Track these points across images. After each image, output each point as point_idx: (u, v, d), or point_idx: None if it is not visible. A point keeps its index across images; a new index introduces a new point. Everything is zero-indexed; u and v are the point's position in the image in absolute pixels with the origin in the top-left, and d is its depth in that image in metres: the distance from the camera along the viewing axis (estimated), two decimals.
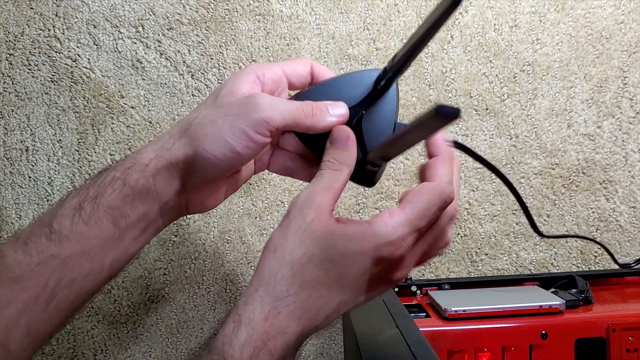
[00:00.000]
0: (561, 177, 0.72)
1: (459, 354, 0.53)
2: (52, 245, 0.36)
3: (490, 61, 0.71)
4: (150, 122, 0.68)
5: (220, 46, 0.69)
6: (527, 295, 0.60)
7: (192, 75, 0.69)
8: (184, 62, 0.68)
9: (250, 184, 0.69)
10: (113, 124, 0.68)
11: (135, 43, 0.68)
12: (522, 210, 0.49)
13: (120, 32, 0.68)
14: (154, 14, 0.68)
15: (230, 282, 0.70)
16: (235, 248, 0.69)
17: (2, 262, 0.36)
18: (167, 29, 0.68)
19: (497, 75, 0.71)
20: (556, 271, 0.71)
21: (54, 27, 0.67)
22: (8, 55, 0.67)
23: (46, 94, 0.67)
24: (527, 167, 0.71)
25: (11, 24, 0.67)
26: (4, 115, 0.67)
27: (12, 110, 0.67)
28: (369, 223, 0.36)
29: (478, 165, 0.71)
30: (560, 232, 0.71)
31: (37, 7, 0.67)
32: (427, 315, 0.57)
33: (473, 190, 0.71)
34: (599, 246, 0.71)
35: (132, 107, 0.68)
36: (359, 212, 0.70)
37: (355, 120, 0.41)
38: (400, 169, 0.70)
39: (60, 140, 0.68)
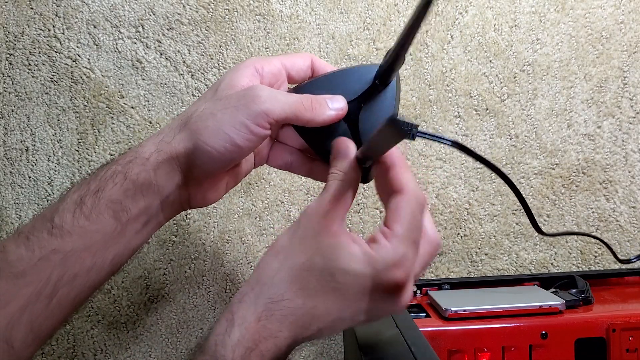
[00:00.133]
0: (561, 177, 0.72)
1: (459, 354, 0.53)
2: (54, 240, 0.36)
3: (490, 61, 0.71)
4: (150, 122, 0.68)
5: (220, 46, 0.69)
6: (527, 295, 0.60)
7: (192, 75, 0.69)
8: (184, 62, 0.69)
9: (250, 184, 0.69)
10: (113, 124, 0.68)
11: (135, 43, 0.68)
12: (523, 209, 0.49)
13: (120, 32, 0.68)
14: (154, 14, 0.68)
15: (230, 282, 0.70)
16: (235, 248, 0.69)
17: (5, 257, 0.36)
18: (167, 29, 0.68)
19: (497, 75, 0.71)
20: (556, 271, 0.71)
21: (54, 27, 0.67)
22: (8, 55, 0.67)
23: (46, 94, 0.67)
24: (527, 167, 0.71)
25: (11, 24, 0.67)
26: (4, 115, 0.67)
27: (12, 110, 0.67)
28: (371, 248, 0.36)
29: (478, 165, 0.71)
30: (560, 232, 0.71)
31: (37, 7, 0.67)
32: (427, 315, 0.57)
33: (473, 190, 0.71)
34: (599, 246, 0.71)
35: (132, 107, 0.68)
36: (359, 212, 0.70)
37: (353, 114, 0.41)
38: None
39: (60, 140, 0.68)
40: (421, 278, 0.70)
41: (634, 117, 0.72)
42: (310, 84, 0.43)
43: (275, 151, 0.46)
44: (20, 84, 0.67)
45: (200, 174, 0.40)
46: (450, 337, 0.53)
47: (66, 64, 0.67)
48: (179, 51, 0.68)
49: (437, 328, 0.53)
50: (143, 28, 0.68)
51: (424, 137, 0.43)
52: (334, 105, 0.41)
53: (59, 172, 0.68)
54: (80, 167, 0.68)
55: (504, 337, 0.53)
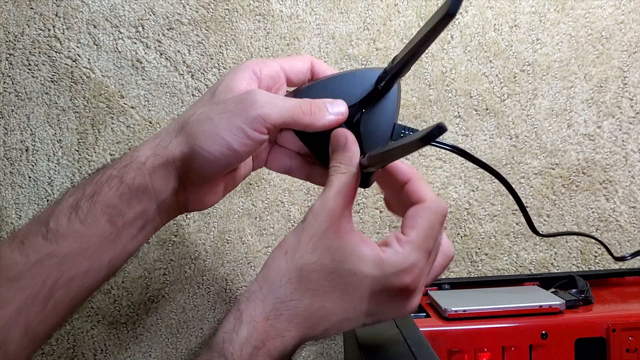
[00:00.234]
0: (561, 177, 0.72)
1: (459, 354, 0.53)
2: (49, 244, 0.36)
3: (490, 61, 0.71)
4: (150, 122, 0.68)
5: (220, 46, 0.69)
6: (527, 295, 0.60)
7: (192, 75, 0.69)
8: (184, 62, 0.68)
9: (250, 184, 0.69)
10: (113, 124, 0.68)
11: (135, 43, 0.68)
12: (521, 213, 0.49)
13: (120, 32, 0.68)
14: (154, 14, 0.68)
15: (230, 282, 0.70)
16: (235, 248, 0.69)
17: None
18: (167, 29, 0.68)
19: (497, 75, 0.71)
20: (556, 271, 0.71)
21: (54, 27, 0.67)
22: (8, 55, 0.67)
23: (46, 94, 0.67)
24: (527, 167, 0.71)
25: (11, 24, 0.67)
26: (4, 115, 0.67)
27: (12, 110, 0.67)
28: (382, 251, 0.36)
29: None
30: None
31: (37, 7, 0.67)
32: (427, 315, 0.57)
33: (473, 190, 0.71)
34: (599, 246, 0.71)
35: (132, 107, 0.68)
36: (359, 212, 0.70)
37: (354, 119, 0.41)
38: None
39: (60, 140, 0.68)
40: None
41: (634, 117, 0.72)
42: (310, 87, 0.43)
43: (274, 154, 0.46)
44: (20, 84, 0.67)
45: (197, 179, 0.40)
46: (450, 337, 0.53)
47: (66, 64, 0.67)
48: (179, 51, 0.68)
49: (437, 328, 0.53)
50: (143, 28, 0.68)
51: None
52: (334, 110, 0.40)
53: (59, 172, 0.68)
54: (80, 167, 0.68)
55: (504, 337, 0.53)
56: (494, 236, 0.71)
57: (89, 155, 0.68)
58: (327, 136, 0.41)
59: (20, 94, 0.67)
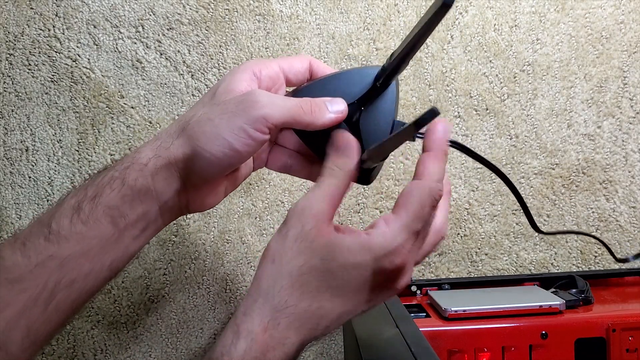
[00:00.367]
0: (561, 177, 0.72)
1: (459, 354, 0.53)
2: (51, 246, 0.36)
3: (490, 61, 0.71)
4: (150, 122, 0.68)
5: (220, 46, 0.69)
6: (527, 295, 0.60)
7: (192, 75, 0.69)
8: (184, 62, 0.68)
9: (250, 184, 0.69)
10: (113, 124, 0.68)
11: (135, 43, 0.68)
12: (521, 209, 0.49)
13: (120, 32, 0.68)
14: (154, 14, 0.68)
15: (230, 282, 0.70)
16: (235, 248, 0.69)
17: (1, 263, 0.36)
18: (167, 29, 0.68)
19: (497, 75, 0.71)
20: (556, 271, 0.71)
21: (54, 27, 0.67)
22: (8, 55, 0.67)
23: (46, 94, 0.67)
24: (527, 167, 0.71)
25: (11, 24, 0.67)
26: (4, 115, 0.67)
27: (12, 110, 0.67)
28: (367, 234, 0.35)
29: (478, 165, 0.71)
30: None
31: (37, 7, 0.67)
32: (427, 315, 0.57)
33: (473, 190, 0.71)
34: (599, 246, 0.71)
35: (132, 107, 0.68)
36: (358, 212, 0.70)
37: (353, 117, 0.41)
38: (400, 169, 0.70)
39: (60, 140, 0.68)
40: (421, 278, 0.70)
41: (634, 117, 0.72)
42: (309, 86, 0.43)
43: (275, 154, 0.46)
44: (20, 84, 0.67)
45: (199, 180, 0.40)
46: (450, 337, 0.53)
47: (66, 64, 0.67)
48: (179, 51, 0.68)
49: (437, 328, 0.53)
50: (143, 28, 0.68)
51: (423, 138, 0.43)
52: (333, 108, 0.40)
53: (59, 172, 0.68)
54: (80, 167, 0.68)
55: (504, 337, 0.53)
56: (494, 236, 0.71)
57: (89, 155, 0.68)
58: (327, 134, 0.41)
59: (20, 94, 0.67)
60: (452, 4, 0.29)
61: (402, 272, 0.36)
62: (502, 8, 0.71)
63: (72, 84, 0.68)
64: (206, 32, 0.68)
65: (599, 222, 0.72)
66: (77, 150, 0.68)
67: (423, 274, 0.71)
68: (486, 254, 0.71)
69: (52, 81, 0.67)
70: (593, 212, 0.72)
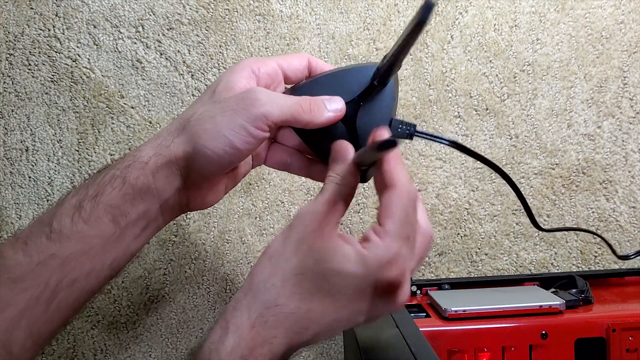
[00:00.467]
0: (561, 177, 0.72)
1: (459, 354, 0.53)
2: (52, 245, 0.36)
3: (490, 61, 0.71)
4: (150, 122, 0.68)
5: (220, 46, 0.69)
6: (527, 295, 0.60)
7: (192, 75, 0.69)
8: (184, 62, 0.69)
9: (250, 184, 0.69)
10: (113, 124, 0.68)
11: (135, 43, 0.68)
12: (522, 206, 0.49)
13: (120, 32, 0.68)
14: (154, 14, 0.68)
15: (230, 282, 0.70)
16: (235, 248, 0.69)
17: (2, 262, 0.36)
18: (167, 29, 0.68)
19: (497, 75, 0.71)
20: (556, 271, 0.71)
21: (54, 27, 0.67)
22: (8, 55, 0.67)
23: (46, 94, 0.67)
24: (527, 167, 0.71)
25: (11, 24, 0.67)
26: (4, 115, 0.67)
27: (12, 110, 0.67)
28: (363, 247, 0.35)
29: (478, 165, 0.71)
30: (560, 233, 0.71)
31: (37, 7, 0.67)
32: (427, 315, 0.57)
33: (473, 190, 0.71)
34: (599, 246, 0.71)
35: (132, 107, 0.68)
36: (358, 212, 0.70)
37: (351, 115, 0.41)
38: None
39: (60, 140, 0.68)
40: (421, 278, 0.70)
41: (634, 117, 0.72)
42: (308, 84, 0.43)
43: (273, 152, 0.46)
44: (20, 84, 0.67)
45: (200, 177, 0.40)
46: (450, 337, 0.53)
47: (66, 64, 0.67)
48: (179, 51, 0.68)
49: (437, 328, 0.53)
50: (143, 28, 0.68)
51: (422, 137, 0.43)
52: (331, 107, 0.40)
53: (59, 172, 0.68)
54: (80, 167, 0.68)
55: (504, 337, 0.53)
56: (494, 236, 0.71)
57: (89, 155, 0.68)
58: (325, 133, 0.41)
59: (20, 94, 0.67)
60: (425, 23, 0.30)
61: (400, 284, 0.36)
62: (502, 8, 0.71)
63: (72, 84, 0.68)
64: (206, 32, 0.69)
65: (599, 222, 0.72)
66: (77, 150, 0.68)
67: (423, 274, 0.71)
68: (486, 254, 0.71)
69: (52, 81, 0.67)
70: (593, 212, 0.72)
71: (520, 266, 0.72)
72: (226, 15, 0.69)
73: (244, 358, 0.33)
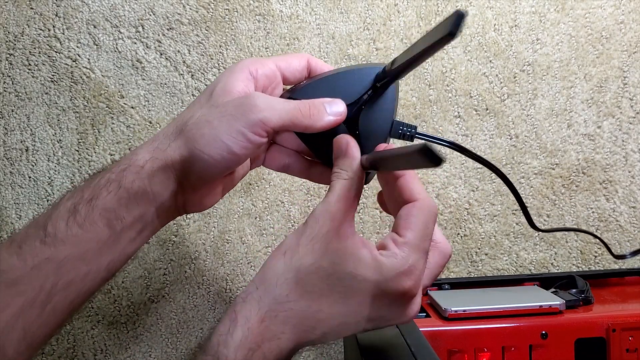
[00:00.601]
0: (561, 177, 0.72)
1: (459, 354, 0.53)
2: (47, 249, 0.36)
3: (490, 61, 0.71)
4: (150, 122, 0.68)
5: (220, 46, 0.69)
6: (527, 295, 0.60)
7: (192, 75, 0.69)
8: (184, 62, 0.68)
9: (250, 184, 0.69)
10: (113, 124, 0.68)
11: (135, 43, 0.68)
12: (520, 208, 0.49)
13: (120, 32, 0.68)
14: (154, 14, 0.68)
15: (230, 282, 0.70)
16: (235, 248, 0.69)
17: None
18: (167, 29, 0.68)
19: (497, 75, 0.71)
20: (556, 271, 0.71)
21: (54, 27, 0.67)
22: (8, 55, 0.67)
23: (46, 94, 0.67)
24: (527, 167, 0.71)
25: (11, 24, 0.67)
26: (4, 115, 0.67)
27: (12, 110, 0.67)
28: (381, 254, 0.35)
29: (478, 165, 0.71)
30: (560, 233, 0.71)
31: (37, 7, 0.67)
32: (427, 315, 0.57)
33: (473, 190, 0.71)
34: (599, 246, 0.71)
35: (132, 107, 0.68)
36: (359, 212, 0.70)
37: (353, 117, 0.41)
38: None
39: (60, 140, 0.68)
40: None
41: (634, 117, 0.72)
42: (308, 86, 0.43)
43: (273, 153, 0.46)
44: (20, 84, 0.67)
45: (197, 181, 0.40)
46: (450, 337, 0.53)
47: (66, 64, 0.67)
48: (179, 51, 0.68)
49: (437, 328, 0.53)
50: (143, 28, 0.68)
51: (422, 139, 0.43)
52: (332, 110, 0.40)
53: (59, 172, 0.68)
54: (80, 167, 0.68)
55: (504, 337, 0.53)
56: (494, 236, 0.71)
57: (89, 155, 0.68)
58: (327, 135, 0.41)
59: (20, 94, 0.67)
60: (456, 34, 0.28)
61: (412, 296, 0.36)
62: (502, 8, 0.71)
63: (72, 84, 0.68)
64: (206, 32, 0.68)
65: (599, 222, 0.72)
66: (77, 150, 0.68)
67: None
68: (486, 254, 0.71)
69: (52, 81, 0.67)
70: (593, 212, 0.72)
71: (520, 266, 0.72)
72: (226, 15, 0.69)
73: (252, 351, 0.33)
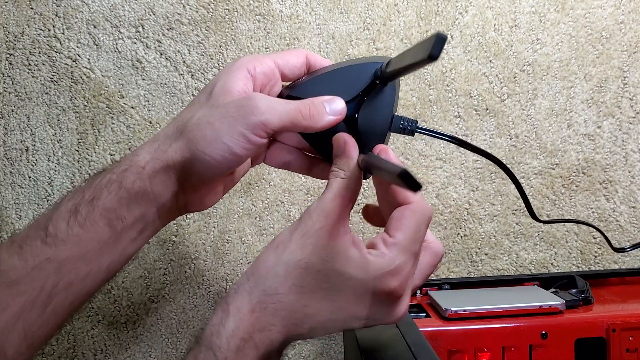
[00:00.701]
0: (561, 177, 0.72)
1: (459, 354, 0.53)
2: (48, 249, 0.36)
3: (490, 61, 0.71)
4: (150, 122, 0.68)
5: (220, 46, 0.69)
6: (527, 295, 0.60)
7: (192, 75, 0.69)
8: (184, 62, 0.69)
9: (250, 184, 0.69)
10: (113, 124, 0.68)
11: (135, 43, 0.68)
12: (523, 204, 0.49)
13: (120, 32, 0.68)
14: (154, 14, 0.68)
15: (230, 282, 0.70)
16: (235, 248, 0.69)
17: None
18: (167, 29, 0.68)
19: (497, 75, 0.71)
20: (556, 271, 0.71)
21: (54, 27, 0.67)
22: (8, 55, 0.67)
23: (46, 94, 0.67)
24: (527, 167, 0.71)
25: (11, 24, 0.67)
26: (4, 115, 0.67)
27: (12, 110, 0.67)
28: (368, 253, 0.36)
29: (478, 165, 0.71)
30: (560, 233, 0.71)
31: (37, 7, 0.67)
32: (427, 315, 0.57)
33: (473, 190, 0.71)
34: (599, 246, 0.71)
35: (132, 107, 0.68)
36: (358, 212, 0.70)
37: (352, 113, 0.41)
38: None
39: (60, 140, 0.68)
40: None
41: (634, 117, 0.72)
42: (307, 83, 0.43)
43: (273, 150, 0.46)
44: (20, 84, 0.67)
45: (198, 181, 0.40)
46: (450, 337, 0.53)
47: (66, 64, 0.67)
48: (179, 51, 0.68)
49: (437, 328, 0.53)
50: (143, 28, 0.68)
51: (423, 133, 0.43)
52: (332, 108, 0.40)
53: (59, 172, 0.68)
54: (80, 167, 0.68)
55: (504, 337, 0.53)
56: (494, 236, 0.71)
57: (89, 155, 0.68)
58: (328, 132, 0.41)
59: (20, 94, 0.67)
60: (437, 57, 0.28)
61: (398, 296, 0.36)
62: (502, 8, 0.71)
63: (72, 84, 0.68)
64: (206, 32, 0.68)
65: (599, 222, 0.72)
66: (77, 150, 0.68)
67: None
68: (486, 254, 0.71)
69: (52, 81, 0.67)
70: (593, 212, 0.72)
71: (520, 266, 0.72)
72: (226, 15, 0.69)
73: (244, 341, 0.34)
